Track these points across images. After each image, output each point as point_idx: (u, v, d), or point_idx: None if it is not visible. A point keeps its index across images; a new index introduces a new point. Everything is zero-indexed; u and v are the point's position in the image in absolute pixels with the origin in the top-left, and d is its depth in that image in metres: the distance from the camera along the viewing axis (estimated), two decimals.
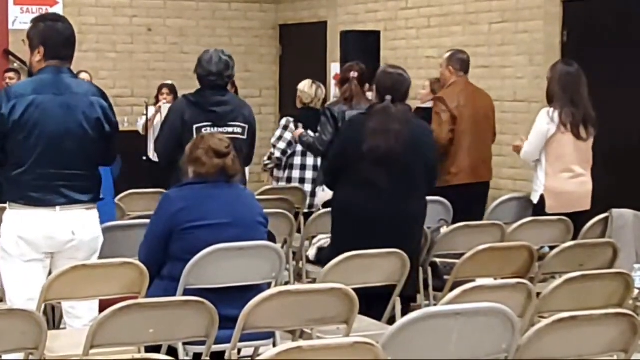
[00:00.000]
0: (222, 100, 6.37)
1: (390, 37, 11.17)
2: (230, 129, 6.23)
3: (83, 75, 10.64)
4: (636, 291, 5.42)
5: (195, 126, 6.23)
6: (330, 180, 6.12)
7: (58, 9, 12.05)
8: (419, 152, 5.81)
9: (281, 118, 9.13)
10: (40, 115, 4.91)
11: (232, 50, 13.14)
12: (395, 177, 5.70)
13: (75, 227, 4.99)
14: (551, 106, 6.84)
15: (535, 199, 6.93)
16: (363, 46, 10.39)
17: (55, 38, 5.04)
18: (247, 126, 6.38)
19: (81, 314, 5.05)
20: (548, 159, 6.85)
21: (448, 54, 8.20)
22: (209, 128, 6.21)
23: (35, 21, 5.14)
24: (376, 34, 10.78)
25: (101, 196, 5.18)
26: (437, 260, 6.30)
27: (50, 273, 4.90)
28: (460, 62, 8.13)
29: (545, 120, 6.81)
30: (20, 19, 12.12)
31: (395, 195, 5.70)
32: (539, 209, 6.83)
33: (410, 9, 11.16)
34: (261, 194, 7.59)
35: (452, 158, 7.85)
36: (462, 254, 5.58)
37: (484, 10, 10.15)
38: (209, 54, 6.45)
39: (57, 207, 4.95)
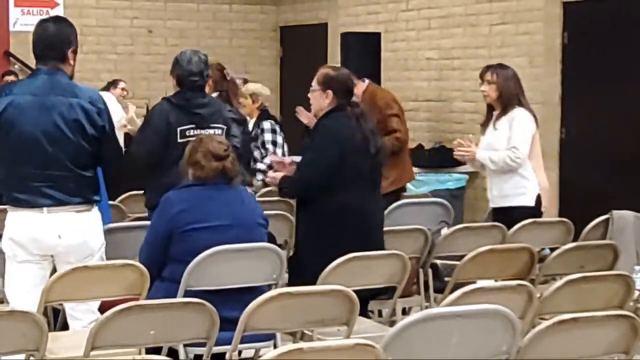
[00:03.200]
0: (204, 102, 6.34)
1: (390, 39, 11.18)
2: (211, 131, 6.20)
3: (121, 85, 10.68)
4: (637, 293, 5.42)
5: (179, 129, 6.19)
6: (309, 193, 5.65)
7: (58, 11, 12.07)
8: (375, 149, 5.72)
9: (263, 121, 8.51)
10: (17, 115, 4.92)
11: (233, 52, 13.32)
12: (371, 177, 5.68)
13: (62, 230, 4.96)
14: (520, 106, 6.61)
15: (530, 202, 6.61)
16: (363, 48, 10.41)
17: (35, 40, 5.07)
18: (226, 127, 6.38)
19: (80, 316, 5.05)
20: (535, 157, 6.66)
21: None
22: (192, 130, 6.19)
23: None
24: (377, 36, 10.80)
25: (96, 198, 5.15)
26: (438, 261, 6.30)
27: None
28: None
29: (531, 120, 6.62)
30: (21, 21, 12.14)
31: (376, 192, 5.71)
32: (537, 210, 6.64)
33: (410, 11, 11.18)
34: (261, 195, 7.58)
35: (403, 160, 7.98)
36: (463, 256, 5.58)
37: (484, 12, 10.17)
38: (186, 54, 6.39)
39: (44, 209, 4.94)
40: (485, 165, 6.68)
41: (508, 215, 6.47)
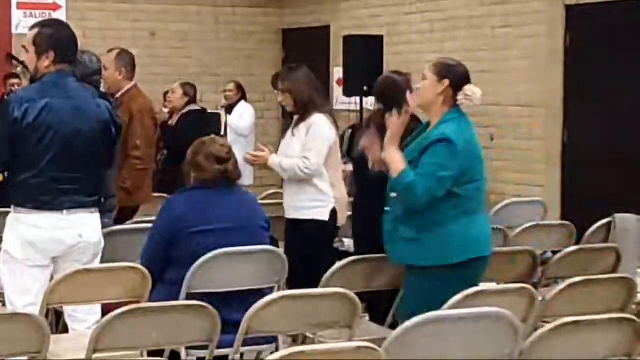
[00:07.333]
0: None
1: (393, 42, 11.17)
2: None
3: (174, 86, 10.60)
4: (639, 296, 5.41)
5: None
6: None
7: (61, 13, 12.06)
8: None
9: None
10: (54, 118, 4.93)
11: (235, 55, 13.33)
12: None
13: (82, 230, 5.01)
14: (319, 112, 6.11)
15: (324, 216, 6.08)
16: (366, 51, 10.41)
17: (65, 42, 5.08)
18: None
19: (84, 317, 5.06)
20: (332, 167, 6.21)
21: (114, 53, 7.16)
22: None
23: (40, 26, 5.14)
24: (379, 39, 10.79)
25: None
26: None
27: (52, 278, 4.90)
28: (133, 65, 7.18)
29: (329, 128, 6.15)
30: (24, 23, 12.12)
31: None
32: (332, 224, 6.13)
33: (413, 14, 11.17)
34: (264, 198, 7.59)
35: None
36: None
37: (486, 15, 10.16)
38: (83, 54, 6.22)
39: (64, 211, 4.96)
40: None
41: (300, 228, 6.10)
